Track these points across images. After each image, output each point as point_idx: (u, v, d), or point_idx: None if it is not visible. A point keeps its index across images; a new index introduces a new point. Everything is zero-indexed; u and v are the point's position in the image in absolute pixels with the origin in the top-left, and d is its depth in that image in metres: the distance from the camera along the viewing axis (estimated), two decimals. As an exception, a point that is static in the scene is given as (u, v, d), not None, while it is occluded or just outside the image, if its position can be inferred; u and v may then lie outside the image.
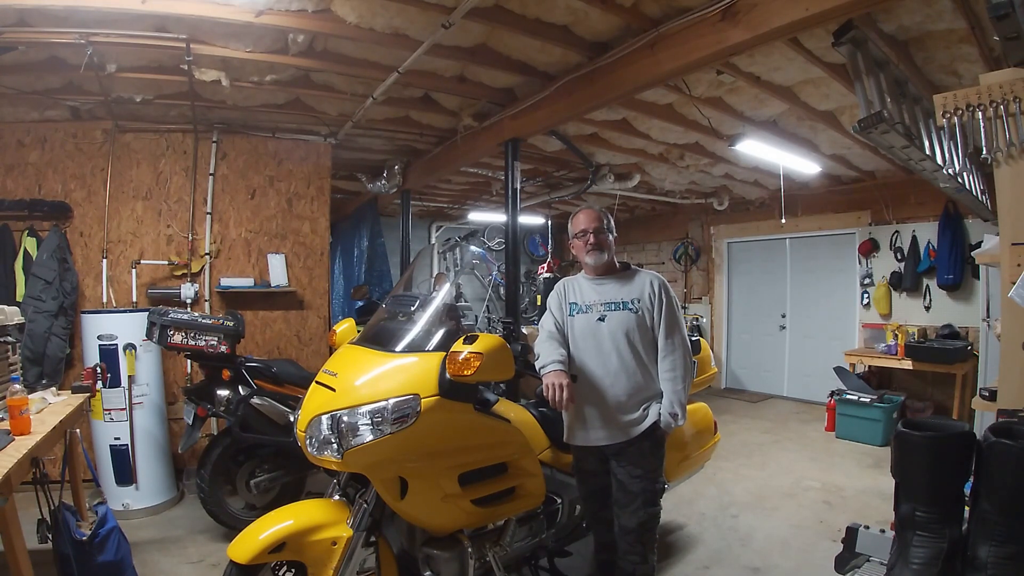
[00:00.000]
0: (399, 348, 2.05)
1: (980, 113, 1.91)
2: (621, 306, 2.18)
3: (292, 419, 2.41)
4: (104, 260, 4.09)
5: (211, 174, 4.41)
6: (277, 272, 4.55)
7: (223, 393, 3.14)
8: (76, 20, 2.73)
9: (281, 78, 3.56)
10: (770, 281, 7.31)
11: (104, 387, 3.31)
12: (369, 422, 1.81)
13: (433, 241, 8.74)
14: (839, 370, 5.63)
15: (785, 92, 3.65)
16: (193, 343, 3.10)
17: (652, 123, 4.35)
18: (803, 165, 5.13)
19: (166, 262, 4.26)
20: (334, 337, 2.74)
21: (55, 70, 3.34)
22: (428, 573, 2.05)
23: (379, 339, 2.17)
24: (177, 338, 3.07)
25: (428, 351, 2.01)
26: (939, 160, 3.12)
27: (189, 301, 4.21)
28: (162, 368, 3.78)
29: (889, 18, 2.77)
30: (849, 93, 3.38)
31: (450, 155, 4.86)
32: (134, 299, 4.12)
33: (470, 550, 2.06)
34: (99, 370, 3.00)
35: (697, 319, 7.81)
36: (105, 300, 4.07)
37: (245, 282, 4.44)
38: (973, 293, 5.36)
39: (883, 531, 2.08)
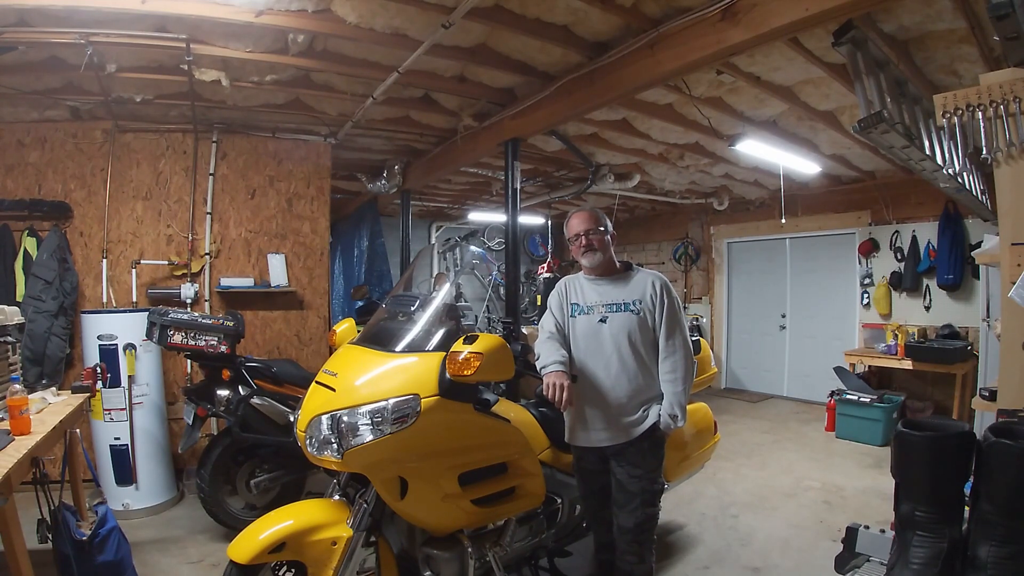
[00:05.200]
0: (399, 348, 2.05)
1: (980, 113, 1.91)
2: (622, 307, 2.18)
3: (292, 419, 2.41)
4: (104, 260, 4.09)
5: (211, 174, 4.41)
6: (277, 272, 4.55)
7: (223, 393, 3.14)
8: (76, 20, 2.73)
9: (281, 78, 3.56)
10: (770, 281, 7.31)
11: (104, 387, 3.31)
12: (369, 422, 1.81)
13: (433, 241, 8.74)
14: (839, 370, 5.63)
15: (785, 92, 3.65)
16: (193, 343, 3.10)
17: (652, 123, 4.35)
18: (803, 165, 5.13)
19: (166, 262, 4.25)
20: (334, 337, 2.74)
21: (55, 70, 3.34)
22: (428, 573, 2.05)
23: (379, 339, 2.17)
24: (177, 338, 3.07)
25: (428, 351, 2.01)
26: (939, 160, 3.12)
27: (189, 301, 4.21)
28: (162, 368, 3.78)
29: (889, 18, 2.77)
30: (849, 93, 3.38)
31: (450, 155, 4.86)
32: (134, 299, 4.12)
33: (470, 550, 2.06)
34: (99, 370, 2.99)
35: (697, 319, 7.81)
36: (105, 300, 4.07)
37: (245, 282, 4.44)
38: (973, 293, 5.36)
39: (883, 531, 2.08)
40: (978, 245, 4.39)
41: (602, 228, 2.25)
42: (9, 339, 2.49)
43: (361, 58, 3.34)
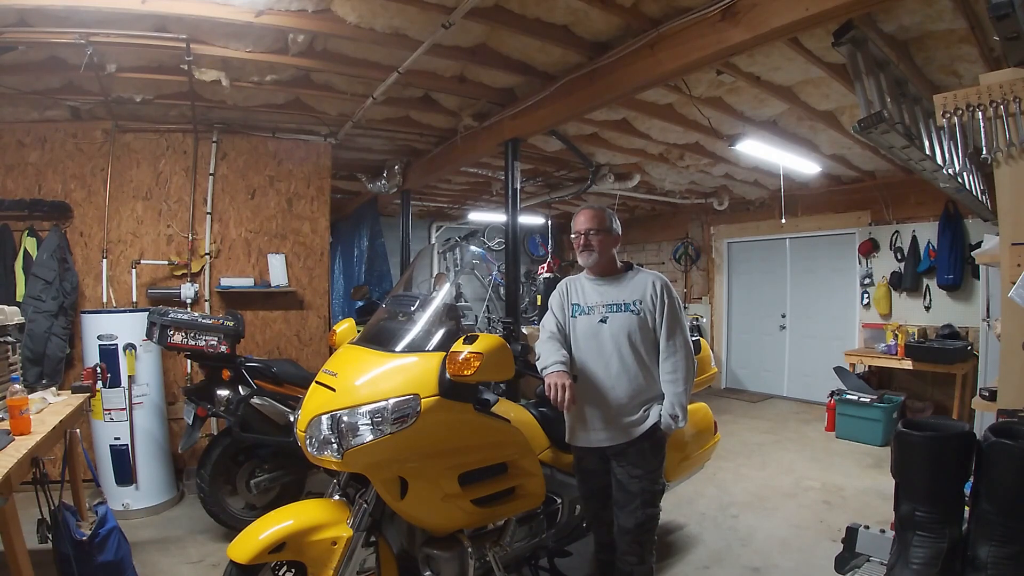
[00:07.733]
0: (399, 348, 2.05)
1: (980, 113, 1.91)
2: (623, 308, 2.18)
3: (292, 419, 2.41)
4: (104, 260, 4.09)
5: (211, 174, 4.41)
6: (277, 272, 4.55)
7: (223, 393, 3.14)
8: (76, 20, 2.73)
9: (281, 78, 3.56)
10: (770, 281, 7.31)
11: (104, 387, 3.31)
12: (369, 422, 1.81)
13: (433, 241, 8.74)
14: (839, 370, 5.63)
15: (785, 92, 3.65)
16: (193, 343, 3.10)
17: (652, 123, 4.35)
18: (803, 165, 5.13)
19: (166, 262, 4.25)
20: (334, 337, 2.74)
21: (55, 70, 3.34)
22: (428, 573, 2.05)
23: (379, 339, 2.17)
24: (177, 338, 3.07)
25: (428, 351, 2.01)
26: (939, 160, 3.12)
27: (189, 301, 4.21)
28: (162, 368, 3.78)
29: (889, 18, 2.77)
30: (849, 93, 3.38)
31: (450, 155, 4.86)
32: (134, 299, 4.12)
33: (470, 550, 2.06)
34: (99, 370, 3.00)
35: (697, 319, 7.80)
36: (105, 300, 4.07)
37: (245, 282, 4.44)
38: (973, 293, 5.36)
39: (883, 531, 2.09)
40: (978, 245, 4.38)
41: (603, 230, 2.24)
42: (9, 339, 2.50)
43: (361, 58, 3.34)
